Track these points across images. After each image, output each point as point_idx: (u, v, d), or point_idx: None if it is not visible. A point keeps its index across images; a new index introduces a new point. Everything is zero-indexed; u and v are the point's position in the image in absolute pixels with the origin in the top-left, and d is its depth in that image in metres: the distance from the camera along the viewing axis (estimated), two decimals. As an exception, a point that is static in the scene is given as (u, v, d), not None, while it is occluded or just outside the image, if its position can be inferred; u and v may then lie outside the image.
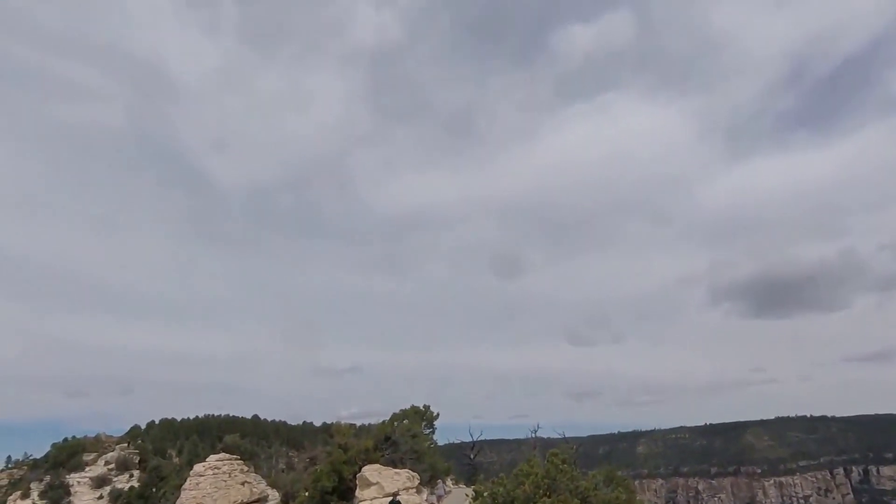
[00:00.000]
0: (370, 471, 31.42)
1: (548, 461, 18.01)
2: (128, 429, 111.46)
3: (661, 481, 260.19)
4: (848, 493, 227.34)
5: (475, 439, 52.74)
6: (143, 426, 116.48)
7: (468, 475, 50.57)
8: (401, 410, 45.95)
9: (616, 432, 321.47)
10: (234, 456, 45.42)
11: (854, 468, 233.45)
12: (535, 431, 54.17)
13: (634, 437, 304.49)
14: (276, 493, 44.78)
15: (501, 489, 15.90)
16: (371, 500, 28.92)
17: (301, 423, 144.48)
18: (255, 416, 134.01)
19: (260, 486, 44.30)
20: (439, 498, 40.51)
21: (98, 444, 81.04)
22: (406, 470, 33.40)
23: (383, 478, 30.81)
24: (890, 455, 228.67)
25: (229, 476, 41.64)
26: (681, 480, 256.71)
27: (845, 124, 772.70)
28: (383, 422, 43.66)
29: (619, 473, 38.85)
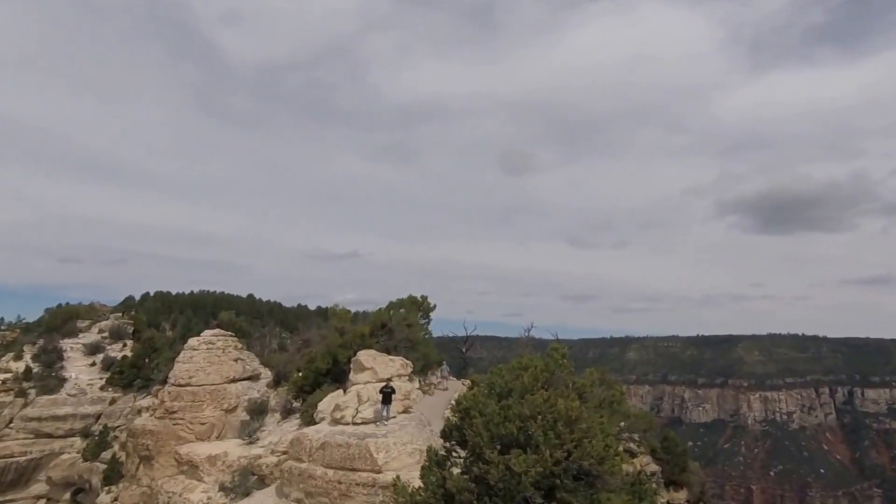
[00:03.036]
0: (365, 356, 30.88)
1: (548, 355, 16.83)
2: (122, 299, 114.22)
3: (648, 388, 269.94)
4: (830, 413, 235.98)
5: (469, 334, 52.60)
6: (138, 298, 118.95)
7: (459, 369, 50.92)
8: (398, 299, 45.24)
9: (609, 337, 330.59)
10: (229, 333, 45.37)
11: (840, 389, 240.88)
12: (529, 331, 54.01)
13: (626, 342, 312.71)
14: (269, 372, 45.04)
15: (500, 380, 14.58)
16: (364, 383, 28.44)
17: (296, 305, 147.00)
18: (251, 296, 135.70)
19: (253, 363, 44.48)
20: (444, 378, 40.78)
21: (92, 312, 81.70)
22: (400, 357, 32.94)
23: (378, 363, 30.29)
24: (876, 379, 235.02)
25: (223, 352, 41.63)
26: (668, 388, 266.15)
27: (872, 43, 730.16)
28: (380, 309, 43.03)
29: (611, 377, 38.68)
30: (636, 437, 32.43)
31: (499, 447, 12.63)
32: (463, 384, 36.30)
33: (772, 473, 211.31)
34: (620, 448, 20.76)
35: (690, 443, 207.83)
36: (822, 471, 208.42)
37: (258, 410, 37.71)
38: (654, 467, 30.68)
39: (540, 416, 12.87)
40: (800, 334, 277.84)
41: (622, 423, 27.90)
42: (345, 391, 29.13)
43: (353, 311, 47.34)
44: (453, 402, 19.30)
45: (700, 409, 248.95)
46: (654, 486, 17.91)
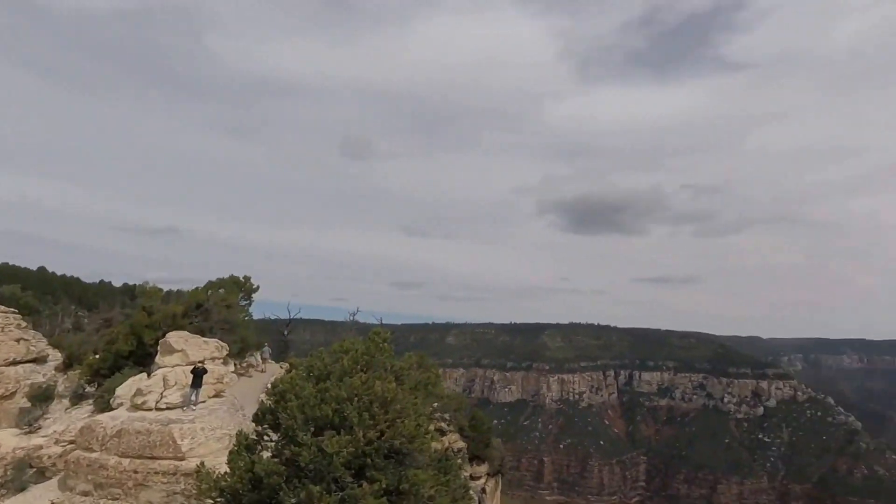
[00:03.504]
0: (175, 337, 28.59)
1: (369, 339, 17.25)
2: None
3: (462, 371, 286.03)
4: (613, 393, 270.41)
5: (292, 317, 51.55)
6: None
7: (280, 352, 49.74)
8: (218, 279, 42.65)
9: (431, 323, 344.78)
10: (11, 309, 39.31)
11: (623, 372, 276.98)
12: (354, 315, 54.47)
13: (446, 328, 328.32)
14: (59, 354, 39.94)
15: (319, 362, 14.63)
16: (173, 367, 26.37)
17: (98, 281, 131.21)
18: (42, 269, 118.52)
19: (39, 344, 39.02)
20: (264, 361, 39.30)
21: None
22: (215, 340, 31.14)
23: (189, 345, 28.25)
24: (651, 363, 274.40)
25: (2, 330, 35.99)
26: (480, 371, 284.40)
27: (680, 74, 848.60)
28: (196, 289, 40.21)
29: (429, 360, 40.62)
30: (447, 416, 34.38)
31: (313, 429, 12.75)
32: (282, 367, 35.51)
33: (561, 446, 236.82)
34: (431, 427, 21.91)
35: (496, 421, 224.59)
36: (601, 442, 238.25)
37: (42, 396, 33.21)
38: (461, 444, 32.82)
39: (356, 398, 13.22)
40: (596, 324, 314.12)
41: (435, 404, 29.37)
42: (149, 375, 26.88)
43: (166, 290, 43.58)
44: (269, 386, 18.88)
45: (506, 390, 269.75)
46: (459, 461, 19.26)
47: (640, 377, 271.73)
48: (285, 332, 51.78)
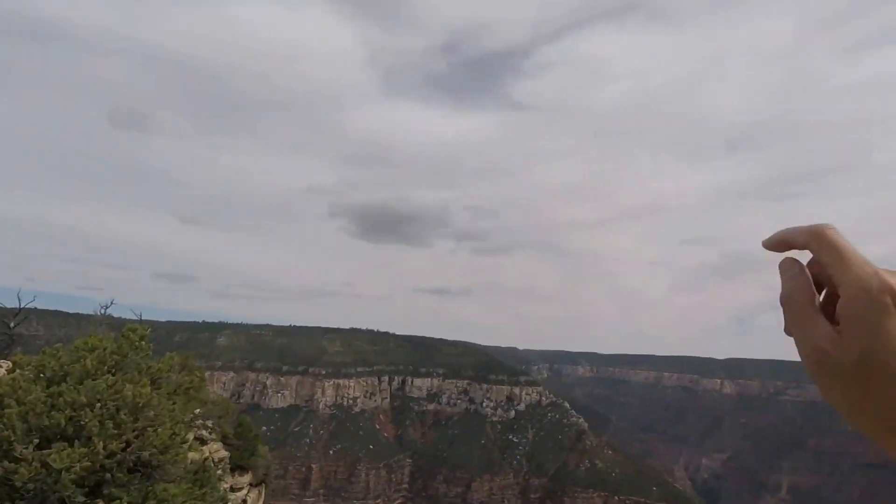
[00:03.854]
0: None
1: (123, 336, 15.31)
2: None
3: (232, 374, 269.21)
4: (386, 398, 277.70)
5: (23, 306, 43.46)
6: None
7: (3, 348, 41.60)
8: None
9: (201, 321, 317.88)
10: None
11: (396, 378, 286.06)
12: (107, 308, 47.82)
13: (218, 328, 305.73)
14: None
15: (53, 362, 12.44)
16: None
17: None
18: None
19: None
20: None
21: None
22: None
23: None
24: (423, 370, 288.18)
25: None
26: (251, 375, 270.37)
27: (473, 101, 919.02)
28: None
29: (194, 362, 37.37)
30: (210, 423, 31.87)
31: (37, 441, 10.72)
32: (1, 366, 29.65)
33: (331, 452, 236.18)
34: (191, 436, 20.08)
35: (265, 427, 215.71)
36: (371, 447, 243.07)
37: None
38: (223, 453, 30.61)
39: (99, 404, 11.48)
40: (375, 330, 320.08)
41: (197, 410, 27.07)
42: None
43: None
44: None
45: (279, 395, 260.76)
46: (219, 472, 17.91)
47: (412, 383, 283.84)
48: (11, 325, 43.32)
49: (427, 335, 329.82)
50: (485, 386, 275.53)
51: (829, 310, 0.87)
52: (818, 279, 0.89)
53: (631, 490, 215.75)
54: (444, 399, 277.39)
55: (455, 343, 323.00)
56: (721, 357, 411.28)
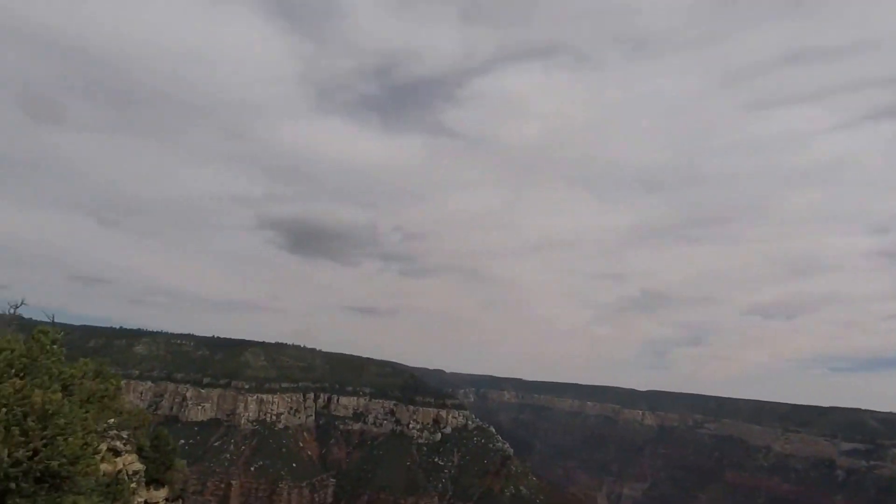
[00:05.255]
0: None
1: (32, 338, 14.51)
2: None
3: (150, 384, 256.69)
4: (311, 416, 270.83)
5: None
6: None
7: None
8: None
9: (118, 327, 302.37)
10: None
11: (322, 395, 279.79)
12: (17, 307, 44.80)
13: (136, 335, 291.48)
14: None
15: (-45, 362, 11.62)
16: None
17: None
18: None
19: None
20: None
21: None
22: None
23: None
24: (350, 388, 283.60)
25: None
26: (171, 385, 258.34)
27: (402, 124, 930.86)
28: None
29: (109, 370, 35.45)
30: (125, 434, 30.19)
31: (-69, 447, 9.88)
32: None
33: (252, 469, 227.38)
34: (104, 447, 19.03)
35: (183, 441, 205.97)
36: (293, 465, 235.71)
37: None
38: (138, 466, 29.02)
39: (5, 409, 10.75)
40: (301, 345, 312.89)
41: (111, 420, 25.64)
42: None
43: None
44: None
45: (199, 407, 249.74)
46: (133, 485, 17.01)
47: (338, 401, 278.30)
48: None
49: (353, 353, 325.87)
50: (411, 407, 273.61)
51: None
52: None
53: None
54: (371, 419, 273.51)
55: (382, 363, 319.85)
56: (642, 388, 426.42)
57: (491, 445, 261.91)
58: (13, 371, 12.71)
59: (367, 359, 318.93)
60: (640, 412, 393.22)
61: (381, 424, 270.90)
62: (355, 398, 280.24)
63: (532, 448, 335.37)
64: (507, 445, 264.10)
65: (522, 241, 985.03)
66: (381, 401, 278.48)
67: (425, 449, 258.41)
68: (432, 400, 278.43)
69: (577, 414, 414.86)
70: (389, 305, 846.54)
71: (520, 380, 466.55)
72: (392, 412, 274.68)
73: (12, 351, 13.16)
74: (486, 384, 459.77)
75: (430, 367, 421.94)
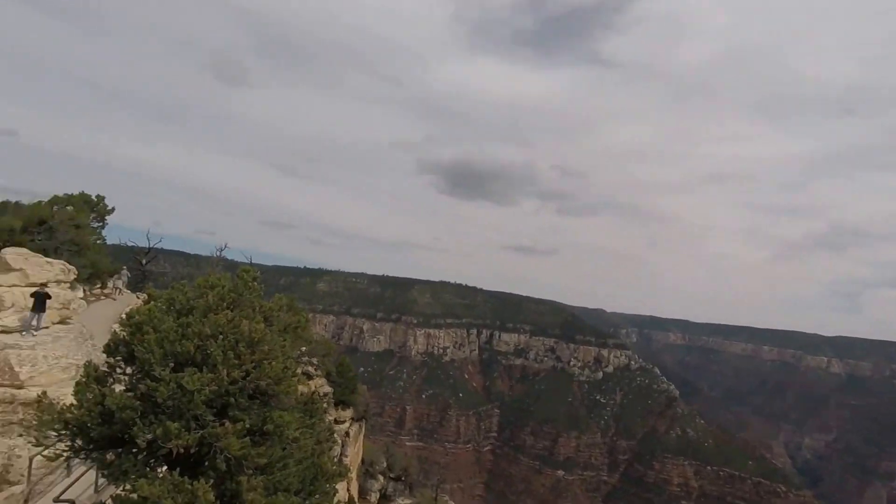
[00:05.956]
0: (13, 254, 25.39)
1: (237, 276, 16.48)
2: None
3: (332, 317, 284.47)
4: (475, 350, 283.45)
5: (151, 245, 47.97)
6: None
7: (137, 282, 46.29)
8: (65, 195, 38.33)
9: (303, 267, 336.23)
10: None
11: (484, 331, 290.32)
12: (222, 250, 51.65)
13: (318, 274, 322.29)
14: None
15: (181, 296, 13.75)
16: (10, 287, 23.55)
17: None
18: None
19: None
20: (117, 289, 36.49)
21: None
22: (61, 262, 28.16)
23: (30, 265, 25.22)
24: (510, 325, 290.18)
25: None
26: (350, 319, 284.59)
27: (558, 58, 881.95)
28: (39, 202, 35.94)
29: (298, 304, 39.87)
30: (315, 361, 34.18)
31: (172, 365, 12.07)
32: (138, 297, 33.12)
33: (423, 396, 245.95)
34: (299, 371, 21.69)
35: (362, 369, 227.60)
36: (460, 394, 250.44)
37: None
38: (327, 389, 32.89)
39: (221, 336, 12.64)
40: (463, 284, 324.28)
41: (303, 348, 29.04)
42: (-23, 294, 23.84)
43: (0, 199, 38.39)
44: (124, 316, 17.58)
45: (375, 339, 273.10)
46: (324, 405, 19.29)
47: (499, 337, 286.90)
48: (143, 262, 48.04)
49: (512, 292, 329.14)
50: (572, 346, 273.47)
51: None
52: None
53: (724, 462, 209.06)
54: (532, 355, 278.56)
55: (541, 301, 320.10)
56: (828, 334, 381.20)
57: (655, 386, 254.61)
58: (225, 304, 14.52)
59: (527, 297, 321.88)
60: (826, 359, 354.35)
61: (541, 360, 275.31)
62: (516, 335, 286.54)
63: (699, 392, 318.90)
64: (672, 387, 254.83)
65: (689, 174, 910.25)
66: (541, 338, 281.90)
67: (587, 386, 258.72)
68: (593, 339, 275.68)
69: (752, 358, 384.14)
70: (548, 244, 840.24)
71: (686, 321, 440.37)
72: (552, 349, 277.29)
73: (223, 287, 14.98)
74: (649, 325, 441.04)
75: (591, 307, 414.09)
